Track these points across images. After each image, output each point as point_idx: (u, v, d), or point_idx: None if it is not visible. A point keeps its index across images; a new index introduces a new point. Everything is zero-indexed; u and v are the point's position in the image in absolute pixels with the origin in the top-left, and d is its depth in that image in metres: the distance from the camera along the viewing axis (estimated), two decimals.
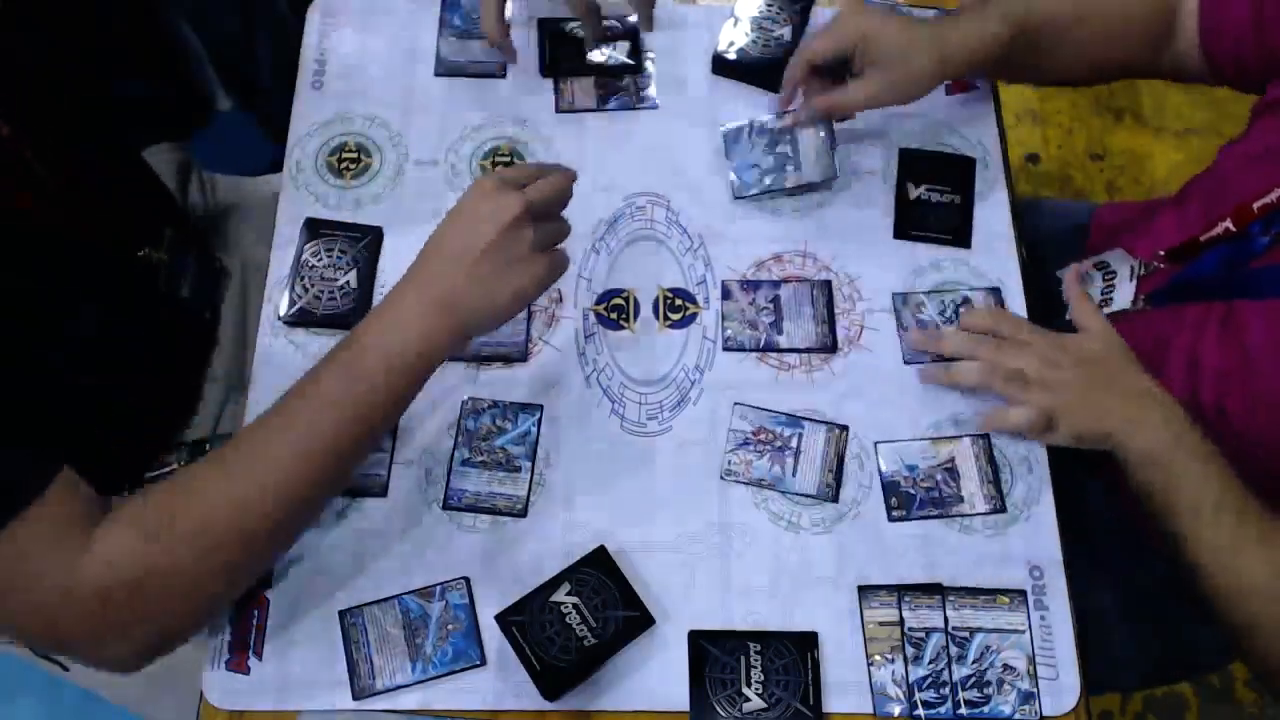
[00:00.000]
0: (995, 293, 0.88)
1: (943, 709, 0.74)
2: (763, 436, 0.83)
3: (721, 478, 0.82)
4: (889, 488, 0.82)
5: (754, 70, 0.96)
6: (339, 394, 0.69)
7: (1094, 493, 0.94)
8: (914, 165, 0.93)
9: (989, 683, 0.75)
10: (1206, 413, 0.80)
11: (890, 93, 0.85)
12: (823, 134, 0.90)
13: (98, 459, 0.83)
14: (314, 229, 0.89)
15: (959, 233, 0.91)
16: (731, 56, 0.96)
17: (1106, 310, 0.90)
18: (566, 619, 0.74)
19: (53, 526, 0.63)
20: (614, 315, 0.88)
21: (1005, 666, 0.76)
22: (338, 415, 0.69)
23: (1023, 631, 0.77)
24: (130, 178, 0.96)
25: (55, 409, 0.72)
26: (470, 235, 0.71)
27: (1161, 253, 0.87)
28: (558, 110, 0.96)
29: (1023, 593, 0.78)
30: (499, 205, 0.71)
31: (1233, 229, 0.82)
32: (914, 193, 0.92)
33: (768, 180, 0.91)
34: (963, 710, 0.74)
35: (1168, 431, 0.76)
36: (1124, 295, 0.89)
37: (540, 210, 0.73)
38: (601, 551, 0.77)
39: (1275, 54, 0.82)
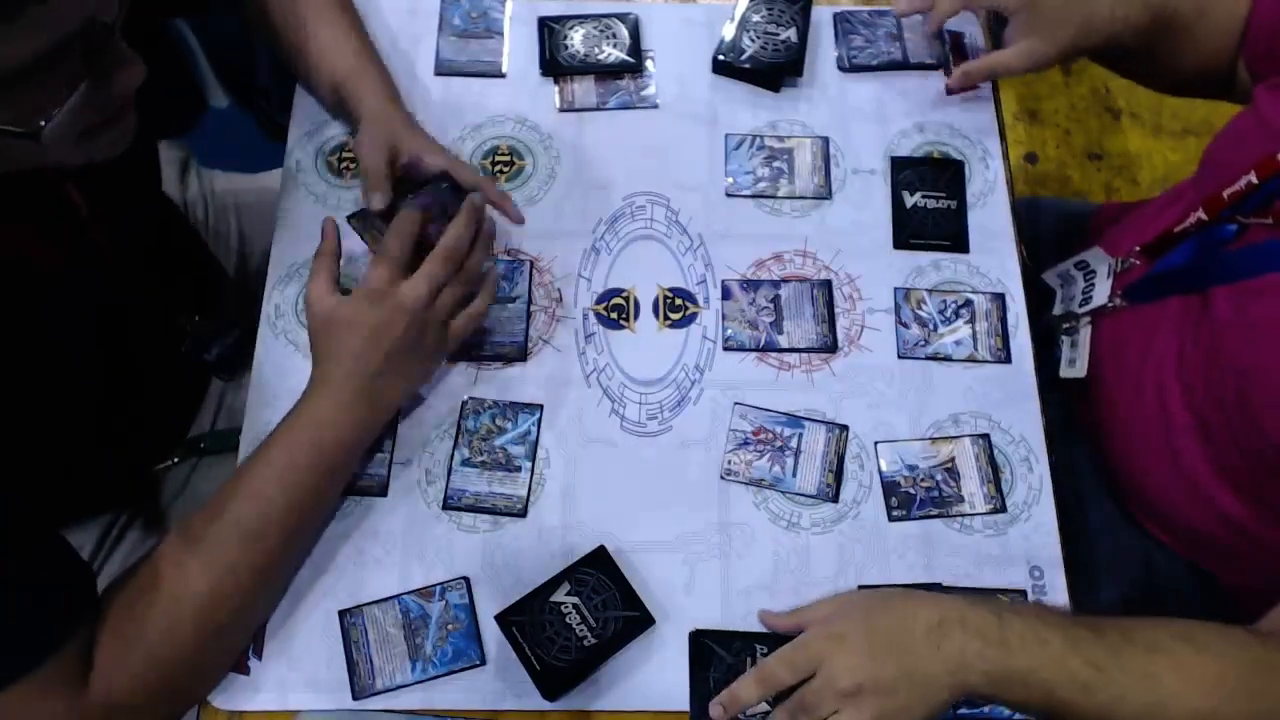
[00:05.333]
0: (999, 299, 0.88)
1: None
2: (763, 436, 0.83)
3: (721, 478, 0.82)
4: (889, 488, 0.82)
5: (754, 70, 0.96)
6: (274, 493, 0.71)
7: (1094, 493, 0.94)
8: (906, 173, 0.93)
9: None
10: (1202, 406, 0.80)
11: (1031, 59, 0.88)
12: (819, 155, 0.93)
13: (102, 464, 0.83)
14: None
15: (957, 239, 0.91)
16: (732, 56, 0.96)
17: (1086, 308, 0.91)
18: (566, 619, 0.74)
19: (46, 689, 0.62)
20: (614, 315, 0.88)
21: None
22: (278, 513, 0.71)
23: None
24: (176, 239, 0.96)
25: (62, 424, 0.71)
26: (374, 341, 0.73)
27: (1137, 248, 0.88)
28: (558, 110, 0.96)
29: (1023, 593, 0.78)
30: (396, 305, 0.73)
31: (1204, 218, 0.82)
32: (910, 201, 0.92)
33: (761, 185, 0.92)
34: (963, 710, 0.74)
35: (990, 649, 0.64)
36: (1102, 293, 0.90)
37: (441, 279, 0.75)
38: (601, 551, 0.77)
39: None
